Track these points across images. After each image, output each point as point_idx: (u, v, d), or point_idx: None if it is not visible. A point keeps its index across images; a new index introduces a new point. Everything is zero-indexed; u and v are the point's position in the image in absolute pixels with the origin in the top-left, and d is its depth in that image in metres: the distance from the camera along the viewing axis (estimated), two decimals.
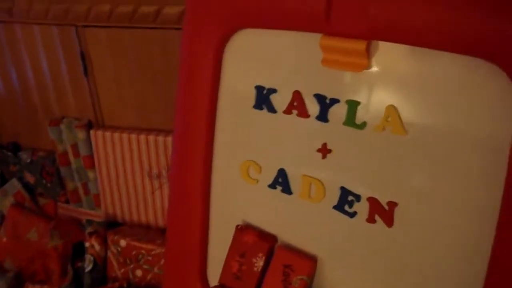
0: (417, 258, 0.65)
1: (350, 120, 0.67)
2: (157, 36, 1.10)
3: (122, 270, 1.23)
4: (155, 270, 1.20)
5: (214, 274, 0.84)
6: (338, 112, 0.68)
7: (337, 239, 0.72)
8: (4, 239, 1.35)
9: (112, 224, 1.31)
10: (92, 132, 1.24)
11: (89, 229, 1.25)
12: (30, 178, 1.41)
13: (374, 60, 0.63)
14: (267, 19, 0.70)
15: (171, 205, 0.89)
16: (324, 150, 0.70)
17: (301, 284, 0.73)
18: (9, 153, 1.41)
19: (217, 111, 0.80)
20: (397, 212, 0.65)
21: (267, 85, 0.74)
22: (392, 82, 0.63)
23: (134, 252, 1.21)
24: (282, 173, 0.75)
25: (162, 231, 1.24)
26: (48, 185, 1.39)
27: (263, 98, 0.74)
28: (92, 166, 1.29)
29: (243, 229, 0.79)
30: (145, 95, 1.19)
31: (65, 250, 1.29)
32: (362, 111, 0.66)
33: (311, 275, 0.74)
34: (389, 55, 0.63)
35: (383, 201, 0.66)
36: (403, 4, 0.58)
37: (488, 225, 0.58)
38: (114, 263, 1.24)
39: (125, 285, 1.20)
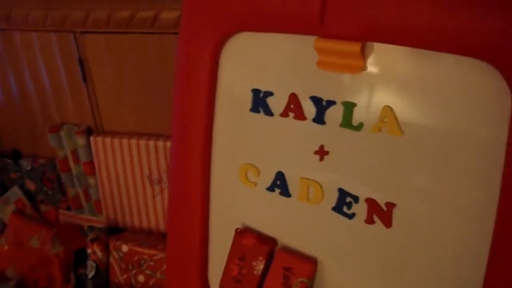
0: (416, 259, 0.64)
1: (347, 121, 0.67)
2: (155, 41, 1.10)
3: (125, 276, 1.23)
4: (158, 275, 1.20)
5: (215, 278, 0.84)
6: (334, 114, 0.68)
7: (337, 241, 0.72)
8: (6, 247, 1.35)
9: (114, 230, 1.31)
10: (92, 138, 1.24)
11: (90, 235, 1.25)
12: (31, 185, 1.41)
13: (369, 62, 0.63)
14: (262, 22, 0.70)
15: (170, 209, 0.89)
16: (322, 152, 0.70)
17: (302, 286, 0.73)
18: (10, 161, 1.42)
19: (215, 114, 0.80)
20: (396, 212, 0.65)
21: (264, 88, 0.74)
22: (388, 83, 0.63)
23: (136, 258, 1.21)
24: (280, 176, 0.75)
25: (163, 236, 1.24)
26: (49, 192, 1.39)
27: (259, 101, 0.75)
28: (93, 172, 1.29)
29: (243, 233, 0.79)
30: (144, 100, 1.19)
31: (67, 257, 1.29)
32: (359, 112, 0.66)
33: (312, 277, 0.74)
34: (384, 57, 0.62)
35: (381, 202, 0.66)
36: (397, 5, 0.58)
37: (486, 225, 0.57)
38: (116, 269, 1.24)
39: None
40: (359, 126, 0.66)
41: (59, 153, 1.30)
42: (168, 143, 1.16)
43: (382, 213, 0.66)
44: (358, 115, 0.66)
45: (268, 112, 0.74)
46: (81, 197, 1.36)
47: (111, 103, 1.23)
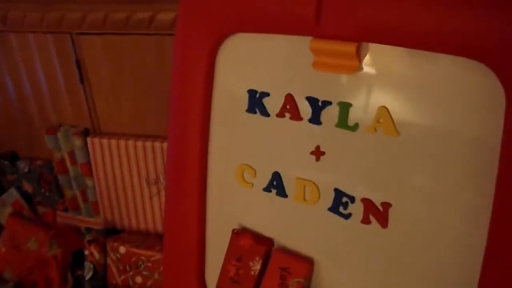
0: (412, 258, 0.65)
1: (343, 122, 0.67)
2: (151, 42, 1.10)
3: (122, 277, 1.23)
4: (155, 276, 1.20)
5: (212, 278, 0.84)
6: (330, 114, 0.68)
7: (333, 241, 0.72)
8: (3, 249, 1.34)
9: (111, 231, 1.31)
10: (89, 139, 1.24)
11: (88, 237, 1.25)
12: (28, 187, 1.41)
13: (364, 62, 0.63)
14: (258, 23, 0.71)
15: (167, 210, 0.89)
16: (318, 153, 0.70)
17: (298, 286, 0.73)
18: (7, 163, 1.41)
19: (211, 115, 0.80)
20: (392, 212, 0.65)
21: (260, 88, 0.74)
22: (383, 83, 0.63)
23: (133, 259, 1.21)
24: (276, 177, 0.75)
25: (161, 237, 1.24)
26: (47, 193, 1.39)
27: (256, 102, 0.75)
28: (90, 173, 1.28)
29: (239, 233, 0.79)
30: (141, 101, 1.19)
31: (65, 259, 1.29)
32: (354, 112, 0.66)
33: (308, 277, 0.74)
34: (379, 57, 0.63)
35: (377, 202, 0.66)
36: (392, 6, 0.58)
37: (482, 224, 0.58)
38: (114, 270, 1.24)
39: None
40: (355, 127, 0.66)
41: (56, 154, 1.30)
42: (165, 144, 1.16)
43: (378, 213, 0.66)
44: (354, 116, 0.66)
45: (264, 113, 0.74)
46: (78, 199, 1.36)
47: (108, 104, 1.23)
